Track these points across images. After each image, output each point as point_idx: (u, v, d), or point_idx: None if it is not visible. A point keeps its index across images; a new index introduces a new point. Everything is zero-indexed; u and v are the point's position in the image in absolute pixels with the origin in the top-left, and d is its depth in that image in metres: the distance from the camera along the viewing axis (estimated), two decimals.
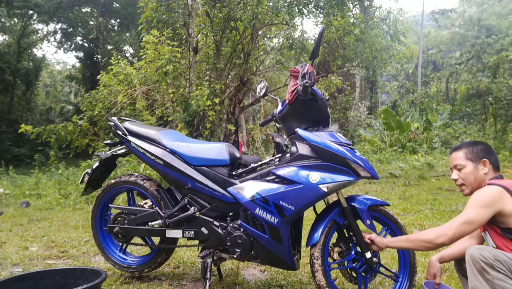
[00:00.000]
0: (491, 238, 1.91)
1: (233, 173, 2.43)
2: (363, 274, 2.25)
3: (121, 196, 4.29)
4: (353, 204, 2.27)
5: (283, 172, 2.20)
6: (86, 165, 7.03)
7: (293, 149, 2.27)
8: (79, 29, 20.73)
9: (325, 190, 2.12)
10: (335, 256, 2.31)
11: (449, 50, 31.26)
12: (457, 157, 2.04)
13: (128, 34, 20.65)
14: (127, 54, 20.67)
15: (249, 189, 2.25)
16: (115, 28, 22.37)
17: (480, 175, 1.97)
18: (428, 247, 1.92)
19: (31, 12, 18.91)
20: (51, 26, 21.40)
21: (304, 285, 2.67)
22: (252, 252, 2.29)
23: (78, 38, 21.50)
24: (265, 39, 10.95)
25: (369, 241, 2.18)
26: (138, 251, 3.39)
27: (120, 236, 2.67)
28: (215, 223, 2.39)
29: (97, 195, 2.82)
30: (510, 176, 7.24)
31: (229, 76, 7.99)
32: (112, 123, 2.76)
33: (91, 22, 20.88)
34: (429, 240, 1.89)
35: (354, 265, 2.25)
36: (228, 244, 2.30)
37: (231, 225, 2.34)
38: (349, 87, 15.97)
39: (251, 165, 2.45)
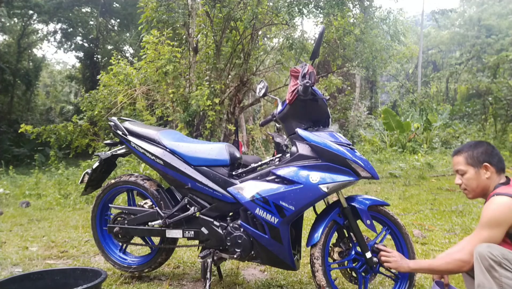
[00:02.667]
0: None
1: (233, 173, 2.43)
2: (363, 274, 2.25)
3: (121, 196, 4.29)
4: (353, 204, 2.27)
5: (283, 172, 2.20)
6: (86, 165, 7.03)
7: (293, 149, 2.27)
8: (79, 29, 20.72)
9: (325, 190, 2.12)
10: (335, 256, 2.31)
11: (449, 50, 31.28)
12: (458, 161, 1.98)
13: (128, 34, 20.65)
14: (127, 54, 20.67)
15: (249, 189, 2.25)
16: (115, 28, 22.37)
17: (482, 180, 1.92)
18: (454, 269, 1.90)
19: (31, 12, 18.91)
20: (51, 26, 21.43)
21: (304, 285, 2.67)
22: (252, 252, 2.29)
23: (78, 38, 21.49)
24: (265, 39, 10.95)
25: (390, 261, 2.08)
26: (138, 251, 3.38)
27: (120, 236, 2.67)
28: (215, 223, 2.39)
29: (97, 195, 2.82)
30: (510, 176, 7.23)
31: (229, 76, 7.99)
32: (112, 123, 2.76)
33: (91, 22, 20.88)
34: (457, 259, 1.85)
35: (354, 265, 2.25)
36: (228, 244, 2.31)
37: (231, 225, 2.34)
38: (349, 87, 15.97)
39: (251, 165, 2.45)
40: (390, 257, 2.07)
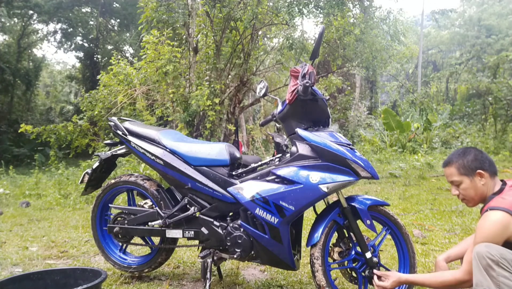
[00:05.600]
0: None
1: (233, 173, 2.43)
2: (363, 274, 2.25)
3: (121, 196, 4.29)
4: (353, 204, 2.27)
5: (283, 172, 2.20)
6: (86, 165, 7.03)
7: (293, 149, 2.27)
8: (79, 29, 20.72)
9: (325, 190, 2.12)
10: (335, 256, 2.31)
11: (449, 50, 31.29)
12: (451, 173, 1.96)
13: (128, 34, 20.66)
14: (127, 54, 20.67)
15: (249, 189, 2.25)
16: (115, 28, 22.37)
17: (479, 187, 1.90)
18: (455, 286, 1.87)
19: (31, 12, 18.90)
20: (51, 26, 21.42)
21: (304, 285, 2.67)
22: (252, 252, 2.29)
23: (78, 38, 21.49)
24: (265, 39, 10.94)
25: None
26: (138, 251, 3.38)
27: (120, 236, 2.67)
28: (215, 223, 2.39)
29: (97, 195, 2.82)
30: (510, 176, 7.23)
31: (229, 76, 7.99)
32: (112, 123, 2.76)
33: (91, 22, 20.87)
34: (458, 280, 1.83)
35: (354, 265, 2.25)
36: (228, 244, 2.30)
37: (231, 225, 2.34)
38: (349, 87, 15.96)
39: (251, 165, 2.45)
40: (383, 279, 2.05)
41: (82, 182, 2.80)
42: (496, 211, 1.77)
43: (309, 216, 3.74)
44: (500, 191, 1.88)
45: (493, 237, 1.74)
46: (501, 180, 1.95)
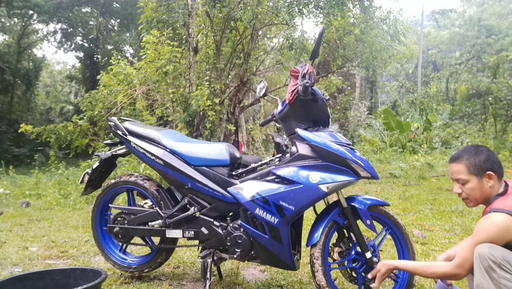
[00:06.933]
0: None
1: (233, 173, 2.43)
2: (363, 274, 2.25)
3: (121, 196, 4.28)
4: (353, 204, 2.27)
5: (283, 172, 2.20)
6: (86, 165, 7.03)
7: (293, 149, 2.27)
8: (79, 29, 20.73)
9: (325, 190, 2.12)
10: (335, 256, 2.31)
11: (449, 50, 31.27)
12: (459, 170, 1.87)
13: (128, 34, 20.65)
14: (127, 54, 20.67)
15: (249, 189, 2.25)
16: (115, 28, 22.37)
17: (485, 189, 1.84)
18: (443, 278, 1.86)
19: (31, 12, 18.90)
20: (51, 26, 21.42)
21: (304, 285, 2.67)
22: (252, 252, 2.29)
23: (78, 38, 21.49)
24: (265, 39, 10.94)
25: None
26: (138, 251, 3.38)
27: (120, 236, 2.68)
28: (215, 223, 2.39)
29: (97, 195, 2.82)
30: (510, 176, 7.23)
31: (229, 76, 7.99)
32: (112, 123, 2.76)
33: (91, 22, 20.87)
34: (446, 274, 1.82)
35: (354, 265, 2.25)
36: (228, 244, 2.31)
37: (231, 225, 2.34)
38: (349, 87, 15.96)
39: (251, 165, 2.45)
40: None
41: (82, 182, 2.80)
42: (499, 213, 1.73)
43: (309, 216, 3.74)
44: (504, 192, 1.84)
45: (494, 239, 1.71)
46: (504, 181, 1.91)
